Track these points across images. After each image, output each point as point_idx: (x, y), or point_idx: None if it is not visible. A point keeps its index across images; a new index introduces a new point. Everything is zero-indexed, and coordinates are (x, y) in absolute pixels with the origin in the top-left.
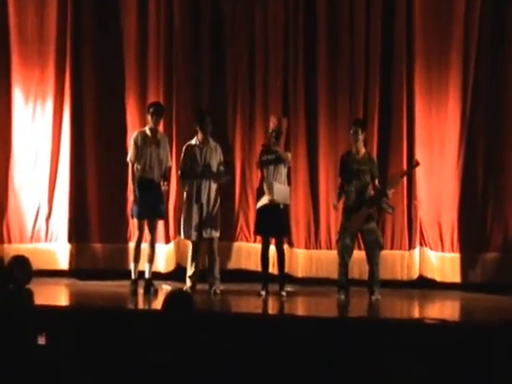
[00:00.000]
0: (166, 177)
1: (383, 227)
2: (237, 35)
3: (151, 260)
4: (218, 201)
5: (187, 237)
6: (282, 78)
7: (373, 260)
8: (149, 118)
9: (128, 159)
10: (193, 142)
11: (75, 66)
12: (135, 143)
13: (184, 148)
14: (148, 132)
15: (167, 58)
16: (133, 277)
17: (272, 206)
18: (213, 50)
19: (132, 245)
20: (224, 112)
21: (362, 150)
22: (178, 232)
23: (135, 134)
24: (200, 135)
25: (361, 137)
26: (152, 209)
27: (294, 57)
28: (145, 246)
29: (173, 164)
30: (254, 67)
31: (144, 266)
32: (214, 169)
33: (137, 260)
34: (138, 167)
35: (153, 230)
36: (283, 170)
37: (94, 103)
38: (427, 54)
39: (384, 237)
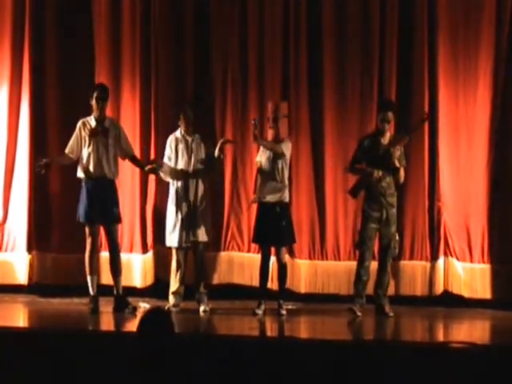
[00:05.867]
0: (140, 163)
1: (400, 232)
2: (226, 5)
3: (118, 273)
4: (207, 200)
5: (178, 245)
6: (280, 56)
7: (384, 269)
8: (93, 104)
9: (66, 150)
10: (177, 133)
11: (35, 45)
12: (77, 131)
13: (168, 142)
14: (93, 121)
15: (144, 34)
16: (91, 293)
17: (268, 208)
18: (197, 24)
19: (105, 254)
20: (211, 98)
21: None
22: (157, 240)
23: (80, 121)
24: (184, 125)
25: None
26: (105, 212)
27: (295, 30)
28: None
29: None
30: (247, 43)
31: (115, 280)
32: (202, 162)
33: (93, 273)
34: (84, 163)
35: (113, 236)
36: (278, 166)
37: (58, 91)
38: (453, 30)
39: (402, 244)
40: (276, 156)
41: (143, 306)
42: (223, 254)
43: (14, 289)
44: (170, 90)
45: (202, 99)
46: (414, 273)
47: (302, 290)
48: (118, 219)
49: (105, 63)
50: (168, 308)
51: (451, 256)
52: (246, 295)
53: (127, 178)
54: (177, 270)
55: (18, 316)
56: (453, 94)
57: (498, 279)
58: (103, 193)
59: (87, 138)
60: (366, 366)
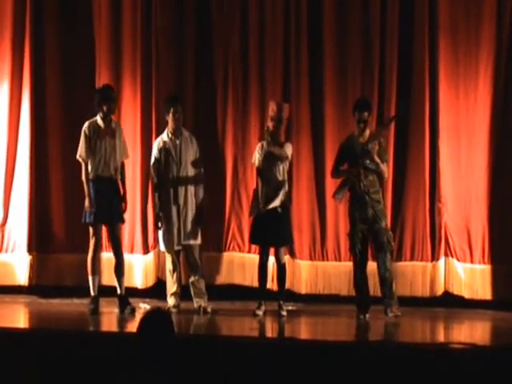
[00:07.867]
0: (123, 175)
1: (401, 233)
2: (227, 4)
3: (121, 273)
4: (196, 202)
5: (170, 248)
6: (281, 54)
7: (383, 266)
8: (102, 105)
9: (78, 156)
10: (164, 136)
11: (36, 42)
12: (86, 136)
13: (156, 146)
14: (100, 122)
15: (144, 32)
16: (92, 293)
17: (270, 209)
18: (198, 23)
19: (107, 255)
20: (212, 97)
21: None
22: (157, 241)
23: (86, 124)
24: (171, 126)
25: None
26: (111, 212)
27: (296, 28)
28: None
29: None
30: (248, 42)
31: (118, 280)
32: (190, 164)
33: (95, 272)
34: (92, 164)
35: (118, 236)
36: (280, 168)
37: (59, 88)
38: (453, 26)
39: (403, 245)
40: (277, 159)
41: (143, 306)
42: (224, 255)
43: (15, 290)
44: (171, 88)
45: (201, 98)
46: (414, 273)
47: (303, 291)
48: (123, 219)
49: (105, 61)
50: (168, 308)
51: (452, 257)
52: (246, 296)
53: (128, 178)
54: (173, 271)
55: (18, 317)
56: (453, 93)
57: (499, 280)
58: (110, 193)
59: (97, 140)
60: (366, 367)
